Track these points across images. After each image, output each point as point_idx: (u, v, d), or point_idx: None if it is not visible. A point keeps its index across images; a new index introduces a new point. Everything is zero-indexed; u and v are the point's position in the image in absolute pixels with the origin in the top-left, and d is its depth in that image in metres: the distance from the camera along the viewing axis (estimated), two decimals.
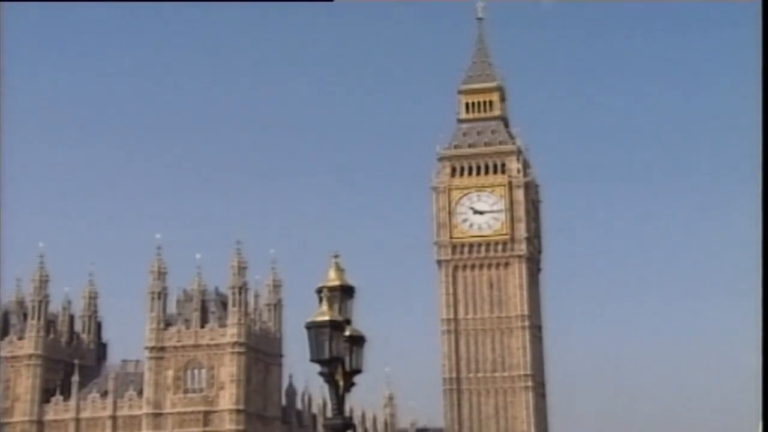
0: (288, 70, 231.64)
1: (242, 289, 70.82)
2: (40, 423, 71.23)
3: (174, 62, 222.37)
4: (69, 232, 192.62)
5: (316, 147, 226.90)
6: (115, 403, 71.24)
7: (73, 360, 74.04)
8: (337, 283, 12.54)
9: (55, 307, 75.83)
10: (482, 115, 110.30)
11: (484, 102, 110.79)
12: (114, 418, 70.94)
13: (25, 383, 71.83)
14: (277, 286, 76.19)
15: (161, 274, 71.18)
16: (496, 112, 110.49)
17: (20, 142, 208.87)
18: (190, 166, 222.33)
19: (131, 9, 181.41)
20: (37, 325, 72.29)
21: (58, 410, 71.72)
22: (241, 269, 70.71)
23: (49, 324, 74.32)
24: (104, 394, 72.07)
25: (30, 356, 72.01)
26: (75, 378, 72.03)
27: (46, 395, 72.09)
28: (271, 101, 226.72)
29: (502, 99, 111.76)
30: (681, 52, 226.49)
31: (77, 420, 71.17)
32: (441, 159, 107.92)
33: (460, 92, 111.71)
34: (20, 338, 72.59)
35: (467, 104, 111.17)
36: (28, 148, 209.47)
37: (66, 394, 72.16)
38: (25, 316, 73.25)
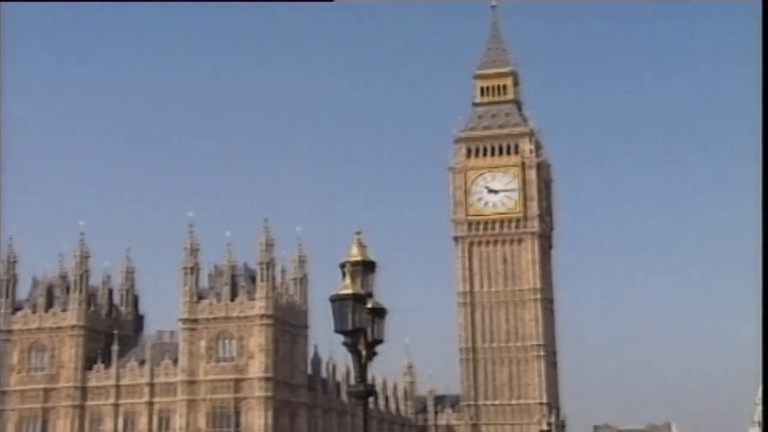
0: (313, 56, 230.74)
1: (270, 264, 71.01)
2: (83, 389, 71.87)
3: (203, 43, 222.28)
4: (108, 211, 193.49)
5: (340, 130, 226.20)
6: (152, 370, 71.73)
7: (112, 331, 74.55)
8: (359, 258, 12.58)
9: (95, 281, 76.40)
10: (496, 98, 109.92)
11: (498, 86, 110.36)
12: (151, 384, 71.45)
13: (69, 352, 72.43)
14: (302, 262, 76.37)
15: (194, 251, 71.49)
16: (510, 96, 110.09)
17: (64, 126, 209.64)
18: (222, 148, 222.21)
19: None
20: (79, 298, 72.82)
21: (100, 377, 72.30)
22: (269, 246, 70.89)
23: (90, 297, 74.86)
24: (142, 363, 72.56)
25: (73, 327, 72.59)
26: (115, 347, 72.54)
27: (89, 363, 72.66)
28: (299, 86, 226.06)
29: (516, 83, 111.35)
30: (690, 36, 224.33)
31: (117, 386, 71.73)
32: (457, 141, 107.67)
33: (476, 77, 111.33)
34: (64, 310, 73.17)
35: (482, 89, 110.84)
36: (69, 132, 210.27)
37: (106, 362, 72.72)
38: (67, 289, 73.77)
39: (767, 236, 15.52)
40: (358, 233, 12.84)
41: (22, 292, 74.71)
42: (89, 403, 71.76)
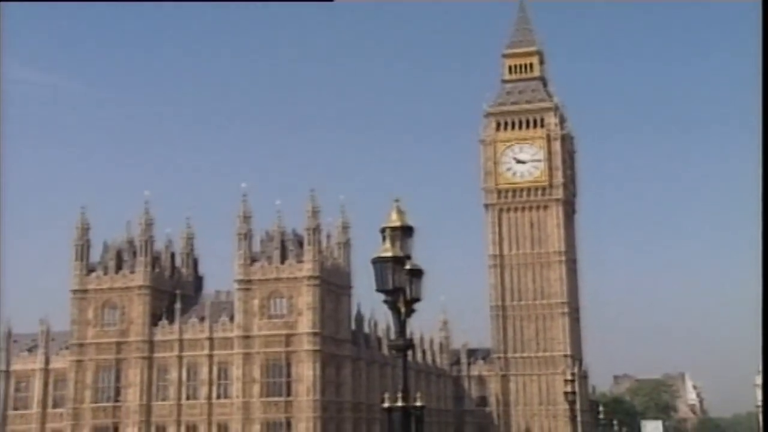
0: (358, 40, 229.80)
1: (316, 230, 71.20)
2: (151, 342, 72.79)
3: (250, 21, 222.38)
4: (171, 182, 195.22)
5: (382, 108, 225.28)
6: (211, 326, 72.41)
7: (175, 290, 75.34)
8: (398, 223, 12.56)
9: (159, 246, 77.05)
10: (523, 76, 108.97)
11: (525, 65, 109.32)
12: (210, 339, 72.18)
13: (137, 309, 73.33)
14: (346, 227, 76.50)
15: (247, 218, 71.86)
16: (536, 74, 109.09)
17: (130, 105, 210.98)
18: (272, 127, 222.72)
19: None
20: (144, 261, 73.56)
21: (165, 332, 73.15)
22: (315, 213, 71.04)
23: (155, 260, 75.57)
24: (202, 319, 73.28)
25: (140, 287, 73.43)
26: (177, 305, 73.32)
27: (154, 319, 73.50)
28: (347, 68, 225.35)
29: (541, 62, 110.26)
30: (706, 16, 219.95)
31: (181, 340, 72.56)
32: (487, 115, 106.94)
33: (504, 56, 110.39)
34: (131, 272, 74.01)
35: (510, 67, 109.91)
36: (135, 111, 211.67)
37: (170, 319, 73.55)
38: (134, 253, 74.52)
39: (767, 238, 15.00)
40: (397, 200, 12.81)
41: (95, 255, 75.71)
42: (156, 355, 72.74)
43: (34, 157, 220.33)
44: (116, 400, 72.24)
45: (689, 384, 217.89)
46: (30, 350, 79.61)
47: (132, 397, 71.95)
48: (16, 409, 78.02)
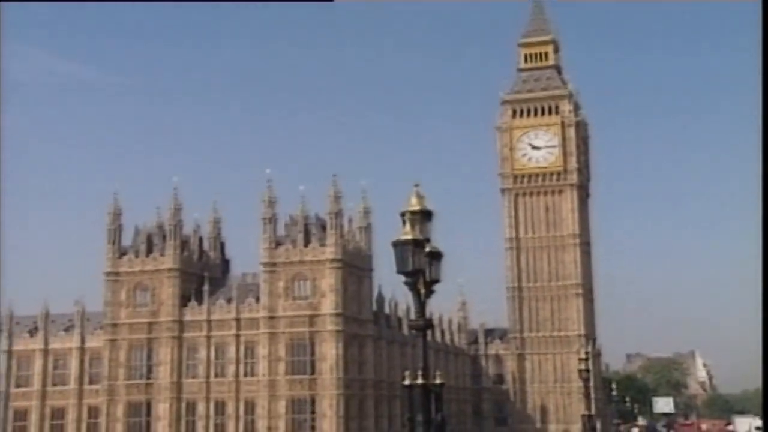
0: (377, 26, 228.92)
1: (338, 214, 71.22)
2: (180, 322, 73.28)
3: (274, 7, 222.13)
4: (198, 169, 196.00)
5: (403, 95, 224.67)
6: (238, 307, 72.80)
7: (203, 273, 75.72)
8: (418, 208, 12.50)
9: (187, 230, 77.38)
10: (539, 64, 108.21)
11: (540, 53, 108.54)
12: (237, 319, 72.56)
13: (167, 291, 73.79)
14: (367, 212, 76.48)
15: (271, 203, 71.96)
16: (551, 62, 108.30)
17: (159, 96, 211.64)
18: (294, 116, 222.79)
19: None
20: (174, 245, 73.94)
21: (194, 313, 73.59)
22: (337, 198, 71.04)
23: (183, 244, 75.93)
24: (229, 300, 73.65)
25: (170, 270, 73.85)
26: (205, 287, 73.68)
27: (184, 301, 73.96)
28: (368, 54, 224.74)
29: (556, 50, 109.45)
30: (717, 5, 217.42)
31: (209, 321, 72.98)
32: (504, 103, 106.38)
33: (520, 45, 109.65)
34: (162, 255, 74.44)
35: (526, 56, 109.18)
36: (164, 102, 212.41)
37: (199, 300, 73.97)
38: (164, 237, 74.91)
39: (767, 242, 14.72)
40: (417, 185, 12.75)
41: (126, 239, 76.17)
42: (186, 334, 73.23)
43: (70, 144, 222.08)
44: (148, 378, 72.87)
45: (699, 362, 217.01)
46: (66, 330, 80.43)
47: (163, 374, 72.54)
48: (54, 385, 78.95)
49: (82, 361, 78.56)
